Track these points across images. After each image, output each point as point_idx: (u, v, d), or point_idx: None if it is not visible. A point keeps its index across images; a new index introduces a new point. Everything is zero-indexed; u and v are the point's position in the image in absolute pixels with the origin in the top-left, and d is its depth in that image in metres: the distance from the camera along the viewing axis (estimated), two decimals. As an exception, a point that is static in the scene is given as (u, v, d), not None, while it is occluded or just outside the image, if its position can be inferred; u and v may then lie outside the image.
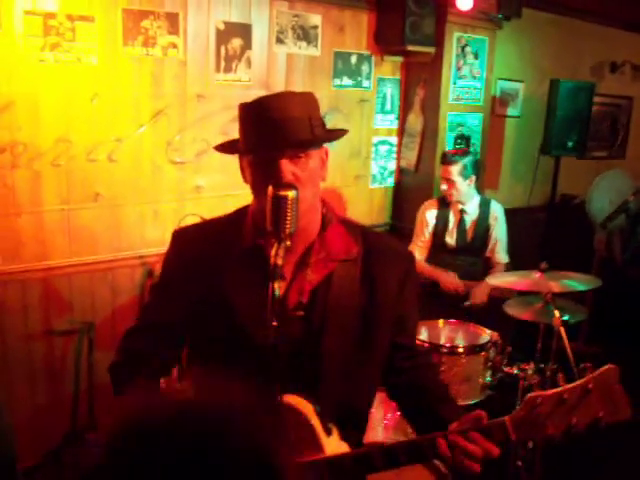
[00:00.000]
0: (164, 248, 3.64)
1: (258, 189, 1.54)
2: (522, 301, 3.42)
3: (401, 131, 4.82)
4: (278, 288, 1.32)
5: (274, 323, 1.30)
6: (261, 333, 1.34)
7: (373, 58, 4.51)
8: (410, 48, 4.32)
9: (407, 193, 4.83)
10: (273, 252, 1.36)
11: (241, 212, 1.70)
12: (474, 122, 4.80)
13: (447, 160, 4.04)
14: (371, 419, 1.76)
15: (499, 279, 3.46)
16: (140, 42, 3.46)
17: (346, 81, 4.41)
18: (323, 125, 1.59)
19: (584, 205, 5.76)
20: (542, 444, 3.04)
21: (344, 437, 1.56)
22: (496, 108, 5.29)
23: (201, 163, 3.83)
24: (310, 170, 1.53)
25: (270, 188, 1.44)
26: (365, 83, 4.52)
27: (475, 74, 4.71)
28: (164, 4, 3.51)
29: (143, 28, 3.45)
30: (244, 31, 3.85)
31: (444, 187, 4.04)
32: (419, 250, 4.14)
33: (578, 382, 1.40)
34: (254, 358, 1.35)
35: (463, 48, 4.58)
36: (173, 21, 3.55)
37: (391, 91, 4.70)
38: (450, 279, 3.97)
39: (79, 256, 3.47)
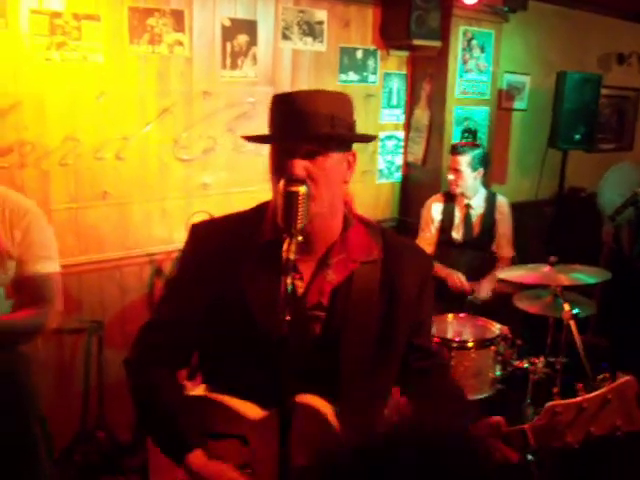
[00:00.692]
0: (172, 246, 3.70)
1: (273, 182, 1.53)
2: (531, 295, 3.41)
3: (408, 126, 4.81)
4: (291, 283, 1.31)
5: (287, 317, 1.29)
6: (277, 328, 1.32)
7: (379, 53, 4.50)
8: (416, 42, 4.31)
9: (414, 188, 4.82)
10: (285, 247, 1.36)
11: (261, 207, 1.68)
12: (481, 116, 4.78)
13: (457, 150, 4.02)
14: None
15: (508, 273, 3.45)
16: (146, 40, 3.46)
17: (352, 76, 4.40)
18: (350, 127, 1.55)
19: (592, 198, 5.74)
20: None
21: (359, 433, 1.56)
22: (503, 101, 5.27)
23: (208, 160, 3.83)
24: (328, 170, 1.49)
25: (281, 183, 1.44)
26: (371, 78, 4.51)
27: (481, 68, 4.69)
28: (169, 1, 3.51)
29: (149, 26, 3.45)
30: (250, 27, 3.84)
31: (451, 177, 4.01)
32: (425, 246, 4.12)
33: (598, 392, 1.41)
34: (270, 354, 1.34)
35: (469, 42, 4.56)
36: (179, 18, 3.55)
37: (397, 86, 4.69)
38: (457, 279, 3.95)
39: (87, 254, 3.48)
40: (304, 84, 4.11)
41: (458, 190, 4.03)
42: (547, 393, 3.32)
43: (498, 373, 3.28)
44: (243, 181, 3.94)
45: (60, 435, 3.39)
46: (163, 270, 3.75)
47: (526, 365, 3.29)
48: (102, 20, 3.29)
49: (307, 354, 1.53)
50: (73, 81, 3.28)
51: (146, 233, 3.67)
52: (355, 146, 1.60)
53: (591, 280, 3.29)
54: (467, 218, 4.08)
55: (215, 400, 1.60)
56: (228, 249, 1.59)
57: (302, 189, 1.41)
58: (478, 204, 4.09)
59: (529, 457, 3.07)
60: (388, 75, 4.61)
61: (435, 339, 3.22)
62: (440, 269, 3.99)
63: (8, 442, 2.35)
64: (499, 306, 3.81)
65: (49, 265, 2.41)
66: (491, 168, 4.92)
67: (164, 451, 1.60)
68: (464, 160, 3.95)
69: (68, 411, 3.49)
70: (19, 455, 2.44)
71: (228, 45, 3.77)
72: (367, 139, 1.71)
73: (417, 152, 4.75)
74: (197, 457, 1.53)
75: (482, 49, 4.65)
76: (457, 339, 3.29)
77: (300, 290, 1.55)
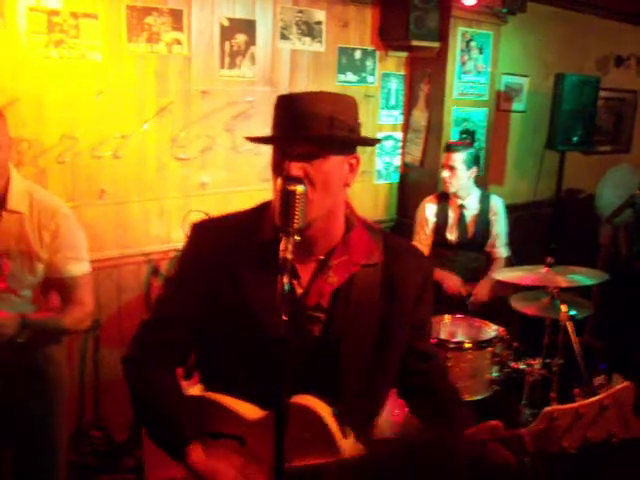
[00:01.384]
0: (169, 245, 3.69)
1: (274, 181, 1.51)
2: (528, 296, 3.41)
3: (406, 126, 4.81)
4: (288, 282, 1.30)
5: (284, 317, 1.29)
6: (275, 328, 1.32)
7: (377, 53, 4.50)
8: (414, 43, 4.31)
9: (412, 188, 4.82)
10: (282, 246, 1.35)
11: (262, 206, 1.65)
12: (479, 117, 4.78)
13: (452, 148, 4.02)
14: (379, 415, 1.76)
15: (505, 274, 3.44)
16: (144, 38, 3.45)
17: (350, 77, 4.40)
18: (352, 129, 1.54)
19: (590, 200, 5.74)
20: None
21: (357, 436, 1.56)
22: (501, 103, 5.27)
23: (206, 159, 3.82)
24: (326, 173, 1.47)
25: (279, 182, 1.43)
26: (369, 79, 4.51)
27: (480, 69, 4.69)
28: (168, 0, 3.50)
29: (147, 24, 3.45)
30: (248, 27, 3.84)
31: (446, 174, 3.97)
32: (420, 248, 4.08)
33: (595, 398, 1.41)
34: (268, 353, 1.33)
35: (468, 43, 4.56)
36: (177, 17, 3.54)
37: (396, 86, 4.69)
38: (453, 282, 3.94)
39: (84, 253, 3.46)
40: (302, 84, 4.11)
41: (452, 189, 4.00)
42: (544, 394, 3.33)
43: (495, 374, 3.28)
44: (241, 180, 3.94)
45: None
46: (160, 269, 3.74)
47: (523, 366, 3.29)
48: (100, 18, 3.29)
49: (306, 355, 1.53)
50: (71, 79, 3.27)
51: (143, 232, 3.67)
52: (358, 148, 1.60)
53: (588, 281, 3.30)
54: (461, 219, 4.06)
55: (212, 400, 1.60)
56: (228, 248, 1.58)
57: (299, 188, 1.40)
58: (472, 205, 4.08)
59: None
60: (386, 76, 4.61)
61: (432, 340, 3.21)
62: (436, 272, 3.97)
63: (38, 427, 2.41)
64: (496, 307, 3.81)
65: (79, 267, 2.39)
66: (488, 169, 4.93)
67: (162, 447, 1.60)
68: (459, 157, 3.94)
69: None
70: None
71: (227, 44, 3.77)
72: (369, 142, 1.69)
73: (415, 153, 4.74)
74: (196, 454, 1.53)
75: (481, 50, 4.65)
76: (454, 340, 3.29)
77: (299, 291, 1.55)
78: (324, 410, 1.50)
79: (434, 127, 4.62)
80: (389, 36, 4.44)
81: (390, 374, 1.66)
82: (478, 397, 3.22)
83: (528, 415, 3.23)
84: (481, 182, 4.41)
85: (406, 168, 4.87)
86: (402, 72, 4.71)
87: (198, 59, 3.68)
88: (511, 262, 4.12)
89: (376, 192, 4.78)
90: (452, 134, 4.60)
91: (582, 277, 3.28)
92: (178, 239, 3.67)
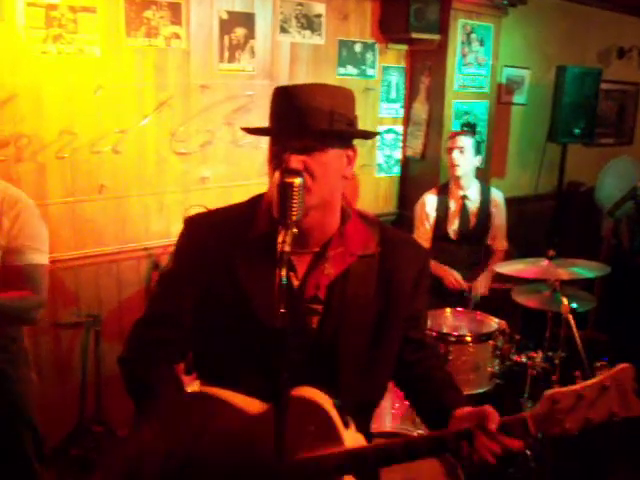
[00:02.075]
0: (169, 240, 3.69)
1: (270, 173, 1.52)
2: (530, 289, 3.40)
3: (407, 119, 4.79)
4: (286, 275, 1.30)
5: (282, 310, 1.28)
6: (273, 319, 1.30)
7: (377, 46, 4.48)
8: (415, 36, 4.30)
9: (413, 182, 4.81)
10: (280, 239, 1.34)
11: (255, 200, 1.66)
12: (480, 110, 4.76)
13: (460, 132, 4.04)
14: (379, 407, 1.75)
15: (507, 267, 3.43)
16: (143, 33, 3.44)
17: (351, 70, 4.38)
18: (351, 122, 1.54)
19: (591, 192, 5.73)
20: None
21: (357, 427, 1.56)
22: (502, 96, 5.25)
23: (206, 154, 3.81)
24: (325, 165, 1.48)
25: (277, 174, 1.43)
26: (370, 72, 4.49)
27: (480, 61, 4.67)
28: (166, -6, 3.49)
29: (145, 18, 3.43)
30: (247, 20, 3.82)
31: (456, 155, 3.94)
32: (420, 242, 4.06)
33: (595, 379, 1.42)
34: (266, 345, 1.32)
35: (468, 35, 4.54)
36: (176, 11, 3.53)
37: (396, 79, 4.67)
38: (453, 278, 3.93)
39: (84, 248, 3.47)
40: (302, 77, 4.09)
41: (460, 171, 3.97)
42: (545, 388, 3.31)
43: (496, 368, 3.28)
44: (241, 174, 3.93)
45: (57, 429, 3.40)
46: (160, 264, 3.73)
47: (524, 360, 3.28)
48: (98, 12, 3.28)
49: (304, 348, 1.53)
50: (70, 74, 3.26)
51: (143, 227, 3.66)
52: (354, 140, 1.59)
53: (590, 274, 3.29)
54: (463, 210, 4.05)
55: (212, 395, 1.59)
56: (222, 242, 1.58)
57: (297, 181, 1.40)
58: (473, 196, 4.07)
59: (527, 452, 3.07)
60: (387, 69, 4.59)
61: (433, 333, 3.21)
62: (436, 267, 3.96)
63: None
64: (497, 300, 3.81)
65: (37, 257, 2.40)
66: (490, 162, 4.92)
67: None
68: (467, 140, 3.95)
69: (65, 405, 3.49)
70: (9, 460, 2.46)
71: (226, 38, 3.75)
72: (368, 135, 1.69)
73: (416, 146, 4.73)
74: None
75: (481, 43, 4.63)
76: (455, 333, 3.28)
77: (295, 284, 1.55)
78: (325, 401, 1.49)
79: (435, 120, 4.61)
80: (389, 29, 4.42)
81: (388, 364, 1.66)
82: (480, 390, 3.21)
83: (530, 408, 3.22)
84: (483, 175, 4.40)
85: (407, 161, 4.86)
86: (402, 65, 4.69)
87: (197, 53, 3.67)
88: (510, 255, 4.11)
89: (377, 185, 4.76)
90: (453, 127, 4.58)
91: (583, 270, 3.27)
92: (178, 234, 3.66)
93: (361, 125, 1.64)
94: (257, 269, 1.52)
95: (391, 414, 2.86)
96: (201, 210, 3.47)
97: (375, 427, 1.77)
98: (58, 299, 3.42)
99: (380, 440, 1.61)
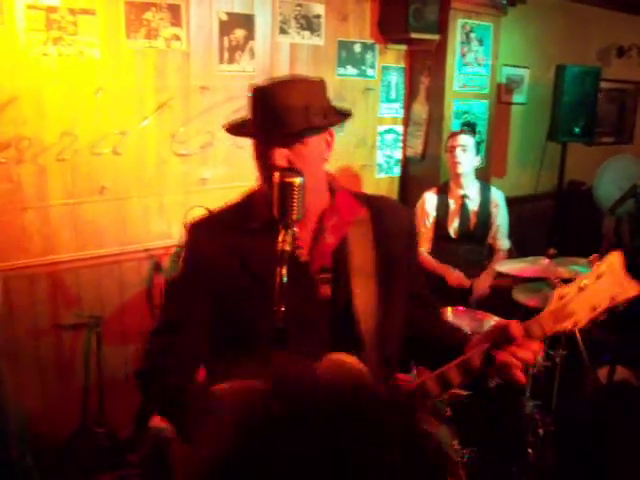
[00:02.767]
0: (170, 241, 3.69)
1: (259, 172, 1.63)
2: (530, 288, 3.40)
3: (406, 120, 4.80)
4: (286, 275, 1.31)
5: (282, 309, 1.30)
6: (298, 304, 1.46)
7: (377, 47, 4.48)
8: (414, 36, 4.30)
9: (413, 182, 4.81)
10: (280, 239, 1.36)
11: (248, 195, 1.74)
12: (480, 109, 4.76)
13: (463, 130, 4.05)
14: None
15: (508, 266, 3.44)
16: (143, 34, 3.45)
17: (350, 70, 4.38)
18: (326, 111, 1.61)
19: (592, 191, 5.73)
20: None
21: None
22: (502, 95, 5.26)
23: (206, 155, 3.82)
24: (307, 156, 1.58)
25: (276, 174, 1.45)
26: (369, 72, 4.50)
27: (480, 61, 4.67)
28: (166, -4, 3.50)
29: (145, 20, 3.44)
30: (247, 22, 3.83)
31: (458, 153, 3.95)
32: (421, 242, 4.07)
33: (591, 271, 1.56)
34: (298, 331, 1.45)
35: (468, 35, 4.55)
36: (175, 13, 3.53)
37: (396, 80, 4.68)
38: (455, 276, 3.94)
39: (85, 250, 3.47)
40: (302, 78, 4.09)
41: (463, 169, 3.97)
42: (547, 386, 3.32)
43: (497, 366, 3.27)
44: (242, 176, 3.92)
45: (59, 431, 3.40)
46: (162, 265, 3.74)
47: (525, 358, 3.27)
48: (98, 14, 3.28)
49: (323, 316, 1.62)
50: (70, 76, 3.27)
51: (144, 228, 3.67)
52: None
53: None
54: (463, 209, 4.05)
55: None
56: (227, 236, 1.65)
57: (297, 180, 1.42)
58: (473, 196, 4.08)
59: (528, 450, 3.07)
60: (386, 69, 4.60)
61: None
62: (438, 267, 3.97)
63: None
64: (498, 299, 3.81)
65: None
66: (490, 162, 4.92)
67: None
68: (469, 139, 3.96)
69: (67, 407, 3.50)
70: None
71: (225, 39, 3.76)
72: (342, 119, 1.73)
73: (416, 146, 4.73)
74: None
75: (481, 42, 4.63)
76: (456, 332, 3.27)
77: (304, 258, 1.65)
78: (355, 361, 1.54)
79: (435, 120, 4.61)
80: (388, 29, 4.42)
81: (399, 318, 1.73)
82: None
83: (531, 407, 3.22)
84: (483, 175, 4.40)
85: (407, 161, 4.86)
86: (402, 65, 4.69)
87: (197, 54, 3.67)
88: (512, 254, 4.12)
89: (377, 186, 4.77)
90: (453, 127, 4.59)
91: (584, 268, 3.27)
92: (179, 235, 3.67)
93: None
94: (265, 254, 1.54)
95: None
96: (202, 211, 3.48)
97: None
98: (59, 301, 3.43)
99: None
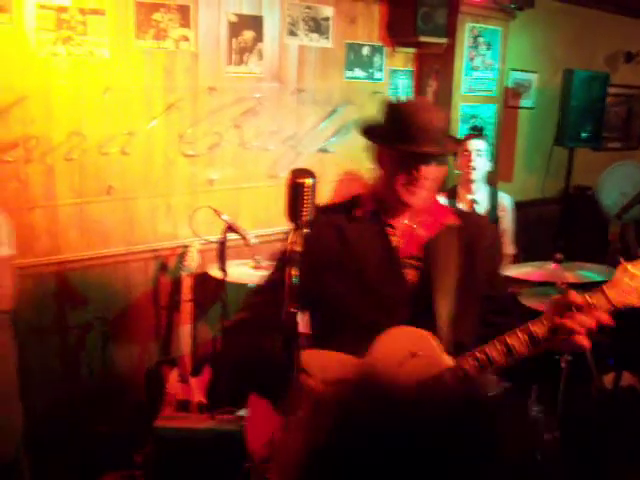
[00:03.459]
0: (177, 241, 3.71)
1: (391, 176, 1.83)
2: (537, 292, 3.40)
3: (414, 123, 4.78)
4: (295, 275, 1.32)
5: (293, 310, 1.31)
6: (384, 280, 1.79)
7: (385, 50, 4.48)
8: (422, 39, 4.29)
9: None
10: (291, 239, 1.37)
11: (355, 195, 1.98)
12: (487, 113, 4.76)
13: (477, 134, 4.04)
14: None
15: (515, 271, 3.43)
16: (152, 35, 3.45)
17: (358, 73, 4.38)
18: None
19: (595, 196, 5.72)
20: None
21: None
22: (509, 99, 5.25)
23: (213, 156, 3.82)
24: (439, 179, 1.84)
25: (289, 175, 1.46)
26: (377, 75, 4.49)
27: (488, 65, 4.67)
28: (175, -3, 3.51)
29: (154, 21, 3.45)
30: (255, 23, 3.84)
31: (475, 158, 3.94)
32: None
33: None
34: (381, 305, 1.76)
35: (476, 39, 4.54)
36: (184, 14, 3.54)
37: (403, 83, 4.67)
38: None
39: (92, 250, 3.48)
40: (310, 80, 4.10)
41: (477, 175, 3.96)
42: (552, 391, 3.31)
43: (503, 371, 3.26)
44: (249, 177, 3.93)
45: (65, 431, 3.40)
46: (168, 266, 3.75)
47: (531, 363, 3.26)
48: (107, 15, 3.29)
49: (406, 297, 1.82)
50: (79, 76, 3.28)
51: (151, 228, 3.67)
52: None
53: (598, 277, 3.28)
54: None
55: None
56: (334, 220, 1.89)
57: (308, 181, 1.42)
58: (483, 201, 4.07)
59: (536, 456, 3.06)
60: (394, 72, 4.59)
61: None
62: None
63: None
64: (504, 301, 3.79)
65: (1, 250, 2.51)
66: (497, 166, 4.91)
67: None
68: (483, 144, 3.96)
69: (73, 406, 3.50)
70: None
71: (234, 41, 3.76)
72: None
73: (423, 149, 4.72)
74: None
75: (489, 46, 4.63)
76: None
77: (395, 243, 1.87)
78: (428, 334, 1.73)
79: (442, 123, 4.60)
80: (397, 32, 4.42)
81: (474, 313, 1.89)
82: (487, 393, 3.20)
83: (537, 412, 3.21)
84: (490, 179, 4.39)
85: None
86: (410, 68, 4.69)
87: (205, 55, 3.68)
88: (518, 260, 4.11)
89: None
90: (460, 130, 4.59)
91: (591, 273, 3.26)
92: (185, 235, 3.68)
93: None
94: (364, 237, 1.86)
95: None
96: (208, 212, 3.48)
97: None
98: (66, 300, 3.44)
99: None
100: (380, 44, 4.45)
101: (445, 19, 4.32)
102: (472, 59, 4.56)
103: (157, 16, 3.45)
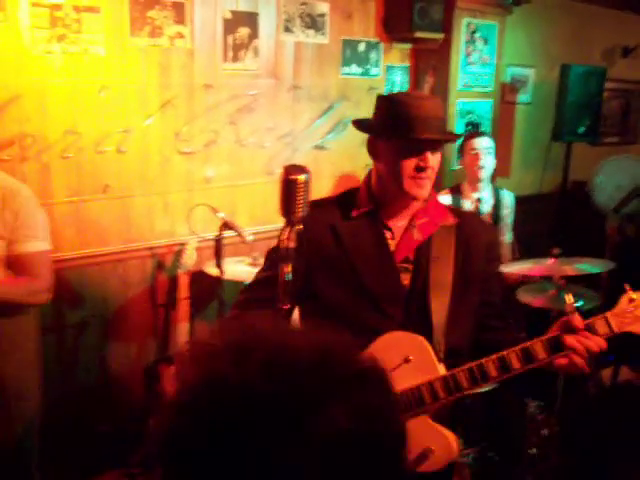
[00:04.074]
0: (174, 239, 3.69)
1: (392, 167, 1.81)
2: (535, 288, 3.40)
3: (410, 119, 4.77)
4: (288, 272, 1.31)
5: (286, 307, 1.30)
6: (380, 284, 1.76)
7: (382, 45, 4.47)
8: (418, 35, 4.28)
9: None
10: (284, 235, 1.36)
11: (349, 191, 1.97)
12: (484, 109, 4.75)
13: (479, 133, 4.04)
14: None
15: (513, 266, 3.43)
16: (147, 32, 3.44)
17: (355, 69, 4.37)
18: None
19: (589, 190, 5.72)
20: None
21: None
22: (506, 95, 5.25)
23: (210, 153, 3.81)
24: (439, 162, 1.83)
25: (282, 172, 1.45)
26: (374, 71, 4.48)
27: (484, 60, 4.67)
28: (170, -7, 3.49)
29: (150, 18, 3.43)
30: (251, 20, 3.82)
31: (484, 156, 3.92)
32: None
33: None
34: (374, 307, 1.75)
35: (472, 34, 4.54)
36: (180, 10, 3.53)
37: (400, 79, 4.66)
38: None
39: (89, 248, 3.47)
40: (306, 77, 4.09)
41: (487, 173, 3.96)
42: (550, 387, 3.31)
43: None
44: (245, 174, 3.92)
45: (63, 430, 3.40)
46: (165, 263, 3.74)
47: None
48: (102, 12, 3.28)
49: (399, 301, 1.81)
50: (74, 74, 3.26)
51: (148, 226, 3.66)
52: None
53: (595, 270, 3.28)
54: (478, 212, 4.02)
55: None
56: (329, 219, 1.86)
57: (301, 177, 1.41)
58: (487, 199, 4.05)
59: (533, 450, 3.06)
60: (391, 68, 4.58)
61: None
62: None
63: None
64: (502, 299, 3.79)
65: (36, 244, 2.51)
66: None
67: None
68: (491, 142, 3.96)
69: (70, 406, 3.49)
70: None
71: (230, 38, 3.75)
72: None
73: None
74: None
75: (485, 41, 4.62)
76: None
77: (392, 247, 1.85)
78: (422, 339, 1.75)
79: (439, 119, 4.59)
80: (393, 28, 4.41)
81: (469, 316, 1.88)
82: (483, 390, 3.20)
83: (534, 408, 3.21)
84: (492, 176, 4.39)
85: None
86: (406, 64, 4.67)
87: (201, 52, 3.66)
88: (514, 248, 4.12)
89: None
90: (457, 126, 4.58)
91: (588, 266, 3.26)
92: (182, 233, 3.67)
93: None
94: (360, 239, 1.83)
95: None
96: (205, 209, 3.48)
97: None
98: (63, 299, 3.43)
99: None
100: (376, 40, 4.44)
101: (441, 14, 4.31)
102: (469, 55, 4.55)
103: (152, 13, 3.44)
